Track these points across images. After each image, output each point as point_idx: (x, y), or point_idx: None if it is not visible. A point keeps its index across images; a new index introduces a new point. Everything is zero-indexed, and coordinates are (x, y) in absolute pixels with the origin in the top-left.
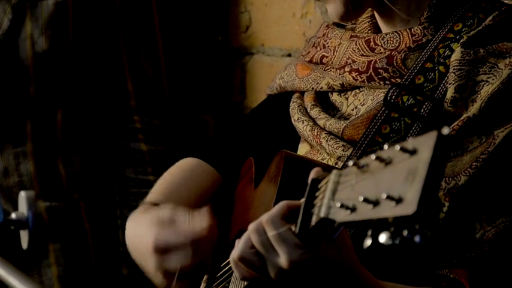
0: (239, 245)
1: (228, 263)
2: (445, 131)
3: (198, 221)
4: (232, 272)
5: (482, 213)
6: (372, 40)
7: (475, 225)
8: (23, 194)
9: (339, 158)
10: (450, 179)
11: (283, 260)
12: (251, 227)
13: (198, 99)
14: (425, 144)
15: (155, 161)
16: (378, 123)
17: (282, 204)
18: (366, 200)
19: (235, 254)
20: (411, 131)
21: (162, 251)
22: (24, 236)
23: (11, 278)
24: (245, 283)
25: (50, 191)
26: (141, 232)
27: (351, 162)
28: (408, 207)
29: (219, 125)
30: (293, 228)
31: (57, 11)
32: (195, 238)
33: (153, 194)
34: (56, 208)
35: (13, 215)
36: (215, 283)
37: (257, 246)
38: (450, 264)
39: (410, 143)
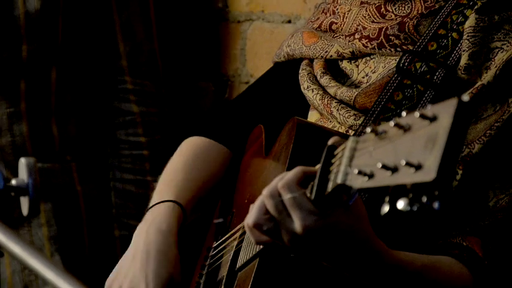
0: (253, 211)
1: (237, 230)
2: (465, 98)
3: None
4: (243, 238)
5: (495, 181)
6: (382, 6)
7: (489, 193)
8: (23, 161)
9: (350, 127)
10: (464, 146)
11: (297, 225)
12: (265, 191)
13: (197, 66)
14: (445, 111)
15: (146, 122)
16: (391, 90)
17: (298, 169)
18: (384, 167)
19: (249, 219)
20: (424, 98)
21: None
22: (24, 202)
23: (4, 239)
24: (258, 248)
25: (42, 152)
26: (141, 251)
27: (368, 129)
28: (428, 174)
29: (219, 93)
30: (308, 194)
31: None
32: None
33: (163, 181)
34: (48, 169)
35: (13, 182)
36: (224, 250)
37: (271, 211)
38: (463, 233)
39: (430, 110)
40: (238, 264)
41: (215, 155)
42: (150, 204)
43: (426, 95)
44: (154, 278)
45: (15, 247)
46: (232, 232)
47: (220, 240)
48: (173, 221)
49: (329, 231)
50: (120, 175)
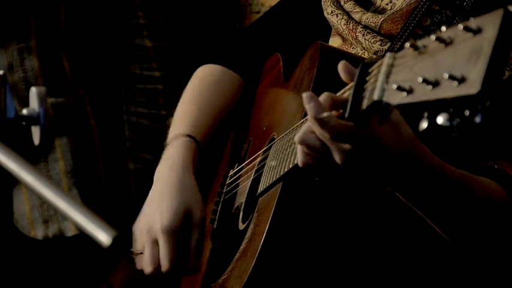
0: (301, 131)
1: (257, 157)
2: None
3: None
4: (264, 163)
5: None
6: None
7: None
8: (34, 90)
9: (375, 53)
10: None
11: (347, 146)
12: (311, 117)
13: None
14: (490, 22)
15: (160, 56)
16: (419, 16)
17: (326, 94)
18: (425, 81)
19: (299, 137)
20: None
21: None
22: (35, 132)
23: (23, 173)
24: (283, 171)
25: (55, 86)
26: (161, 199)
27: (407, 44)
28: (472, 87)
29: (230, 22)
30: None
31: None
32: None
33: (177, 119)
34: (62, 104)
35: (24, 111)
36: (242, 177)
37: (318, 133)
38: (493, 158)
39: (474, 22)
40: (260, 189)
41: (229, 84)
42: (167, 141)
43: (455, 21)
44: (168, 214)
45: (32, 179)
46: (250, 159)
47: (237, 168)
48: (188, 155)
49: (371, 143)
50: (134, 109)
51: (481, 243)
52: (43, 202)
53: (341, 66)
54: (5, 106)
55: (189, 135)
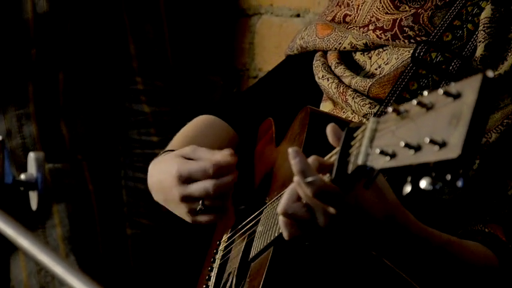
0: (283, 200)
1: (250, 222)
2: (490, 74)
3: (220, 154)
4: (256, 229)
5: None
6: None
7: (507, 182)
8: (32, 155)
9: (364, 116)
10: None
11: (323, 208)
12: (296, 178)
13: (205, 61)
14: (470, 87)
15: (158, 122)
16: (406, 80)
17: (313, 157)
18: (407, 145)
19: (281, 208)
20: None
21: (185, 180)
22: (33, 197)
23: (20, 239)
24: (273, 236)
25: (53, 152)
26: (164, 168)
27: (390, 109)
28: (453, 151)
29: (228, 86)
30: (326, 179)
31: None
32: (217, 166)
33: (171, 146)
34: (60, 169)
35: (22, 176)
36: (235, 242)
37: (304, 197)
38: (483, 221)
39: (454, 87)
40: (252, 254)
41: (223, 133)
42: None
43: (441, 86)
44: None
45: (29, 245)
46: (243, 223)
47: (231, 233)
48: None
49: (355, 207)
50: (132, 174)
51: None
52: (40, 269)
53: (329, 129)
54: (3, 172)
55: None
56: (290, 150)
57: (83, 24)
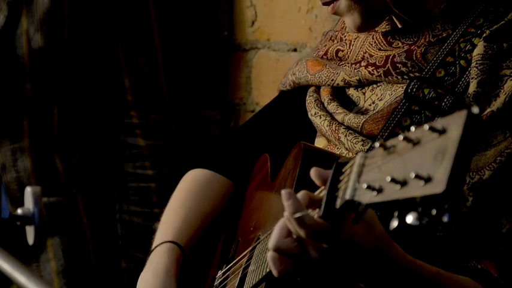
0: (273, 236)
1: (243, 257)
2: (475, 110)
3: None
4: (250, 264)
5: (507, 208)
6: (389, 34)
7: (501, 220)
8: (29, 190)
9: (357, 153)
10: (474, 173)
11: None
12: (287, 214)
13: (202, 95)
14: (454, 122)
15: (153, 155)
16: (398, 116)
17: (303, 192)
18: (393, 180)
19: (272, 243)
20: None
21: None
22: (30, 232)
23: (16, 274)
24: (265, 272)
25: (47, 186)
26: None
27: (377, 144)
28: (437, 186)
29: (224, 121)
30: (316, 214)
31: (53, 7)
32: None
33: (166, 220)
34: (54, 203)
35: (19, 211)
36: (229, 278)
37: (295, 232)
38: (477, 259)
39: (439, 123)
40: None
41: (217, 188)
42: (152, 247)
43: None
44: None
45: (25, 281)
46: (237, 259)
47: (226, 269)
48: (171, 261)
49: (346, 241)
50: (127, 207)
51: None
52: None
53: (313, 173)
54: (0, 206)
55: (173, 242)
56: (283, 192)
57: (78, 58)
